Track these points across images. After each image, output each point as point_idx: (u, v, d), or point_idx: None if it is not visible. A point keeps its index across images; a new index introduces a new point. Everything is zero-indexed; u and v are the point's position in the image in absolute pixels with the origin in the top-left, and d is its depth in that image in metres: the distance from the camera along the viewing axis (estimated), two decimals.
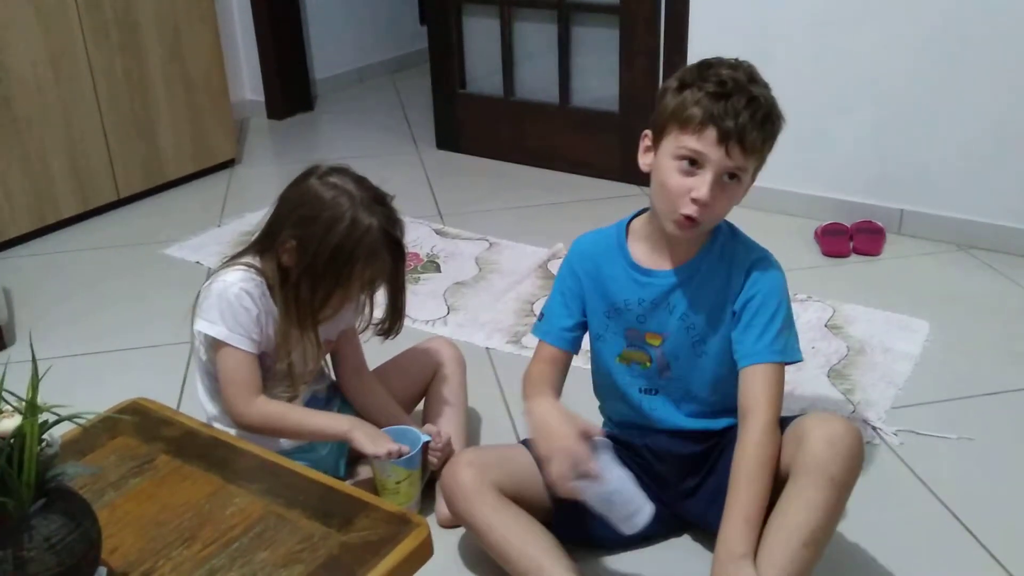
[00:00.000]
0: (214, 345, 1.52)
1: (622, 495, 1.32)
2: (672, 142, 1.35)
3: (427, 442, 1.61)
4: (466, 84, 3.64)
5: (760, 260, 1.45)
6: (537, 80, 3.46)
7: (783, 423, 1.41)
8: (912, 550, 1.56)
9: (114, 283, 2.67)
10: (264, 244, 1.54)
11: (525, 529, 1.43)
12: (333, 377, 1.76)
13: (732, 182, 1.35)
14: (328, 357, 1.73)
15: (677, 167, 1.35)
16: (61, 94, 2.93)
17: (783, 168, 2.92)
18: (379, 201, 1.50)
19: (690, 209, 1.35)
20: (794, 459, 1.33)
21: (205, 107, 3.43)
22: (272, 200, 1.57)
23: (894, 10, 2.59)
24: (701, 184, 1.33)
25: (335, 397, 1.74)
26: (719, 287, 1.45)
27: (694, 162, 1.33)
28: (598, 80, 3.30)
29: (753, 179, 1.40)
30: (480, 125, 3.61)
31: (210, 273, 1.56)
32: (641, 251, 1.49)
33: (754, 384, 1.40)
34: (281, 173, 3.55)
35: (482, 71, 3.59)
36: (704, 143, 1.32)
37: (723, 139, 1.31)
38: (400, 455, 1.53)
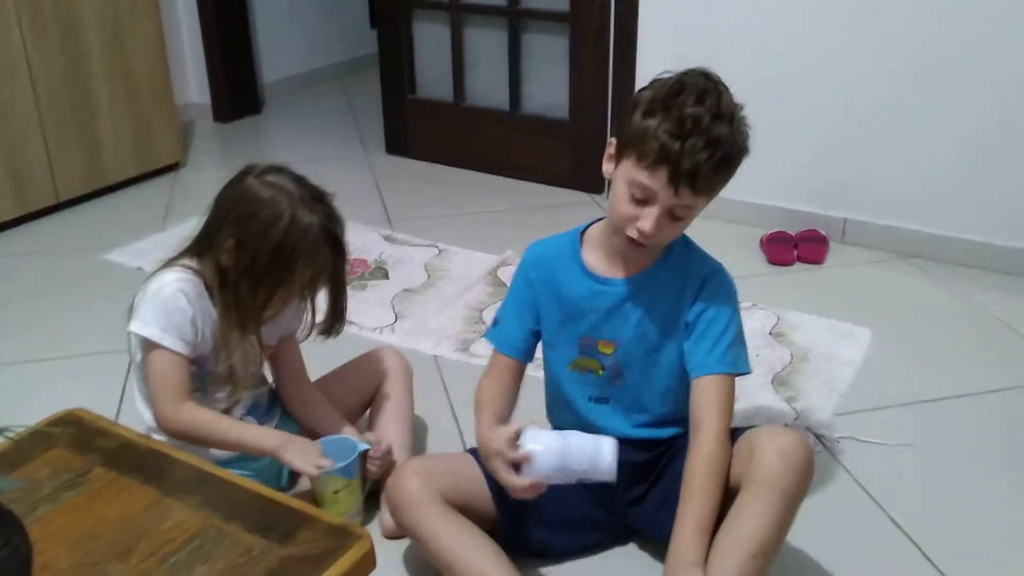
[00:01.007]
0: (146, 346, 1.49)
1: (570, 450, 1.33)
2: (627, 169, 1.35)
3: (365, 450, 1.59)
4: (416, 89, 3.62)
5: (714, 273, 1.47)
6: (487, 86, 3.45)
7: (733, 434, 1.42)
8: (853, 556, 1.58)
9: (53, 289, 2.60)
10: (202, 245, 1.52)
11: (471, 539, 1.42)
12: (273, 384, 1.74)
13: (681, 215, 1.37)
14: (267, 364, 1.70)
15: (628, 195, 1.35)
16: None
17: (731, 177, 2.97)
18: (318, 199, 1.49)
19: (635, 234, 1.37)
20: (746, 470, 1.34)
21: (149, 109, 3.36)
22: (207, 205, 1.54)
23: (844, 22, 2.64)
24: (647, 218, 1.34)
25: (276, 404, 1.71)
26: (673, 298, 1.46)
27: (644, 196, 1.34)
28: (548, 87, 3.31)
29: (705, 206, 1.40)
30: (430, 130, 3.60)
31: (148, 276, 1.54)
32: (596, 259, 1.49)
33: (705, 395, 1.42)
34: (227, 177, 3.46)
35: (432, 76, 3.58)
36: (655, 181, 1.31)
37: (673, 180, 1.30)
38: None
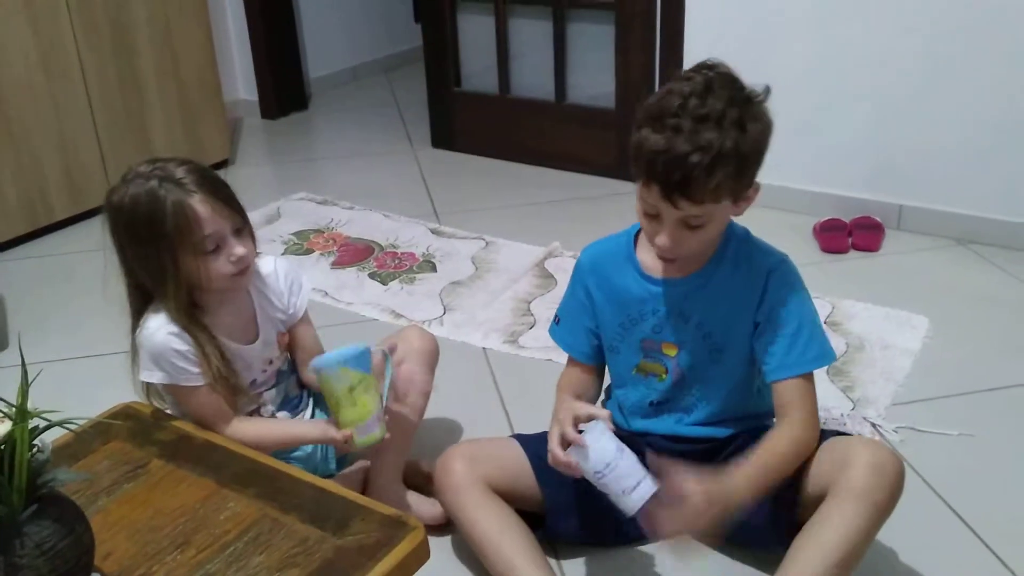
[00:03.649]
0: (165, 388, 1.49)
1: (614, 469, 1.30)
2: (638, 184, 1.32)
3: (384, 352, 1.51)
4: (461, 82, 3.62)
5: (779, 265, 1.41)
6: (533, 77, 3.44)
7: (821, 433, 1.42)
8: (912, 546, 1.55)
9: (108, 286, 2.65)
10: (133, 284, 1.51)
11: (503, 526, 1.43)
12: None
13: (697, 224, 1.31)
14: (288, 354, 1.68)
15: (642, 210, 1.33)
16: (53, 95, 2.91)
17: (781, 164, 2.92)
18: (165, 167, 1.44)
19: (657, 250, 1.35)
20: (837, 479, 1.32)
21: (198, 107, 3.40)
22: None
23: (893, 3, 2.58)
24: (662, 232, 1.32)
25: (306, 392, 1.70)
26: (735, 294, 1.42)
27: (654, 211, 1.31)
28: (594, 77, 3.28)
29: (744, 200, 1.33)
30: (475, 123, 3.60)
31: (133, 327, 1.52)
32: (651, 259, 1.45)
33: (787, 394, 1.39)
34: (275, 172, 3.52)
35: (477, 68, 3.57)
36: (652, 196, 1.28)
37: (666, 194, 1.26)
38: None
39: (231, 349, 1.51)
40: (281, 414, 1.64)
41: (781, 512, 1.40)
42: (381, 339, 1.57)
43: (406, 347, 1.65)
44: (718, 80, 1.27)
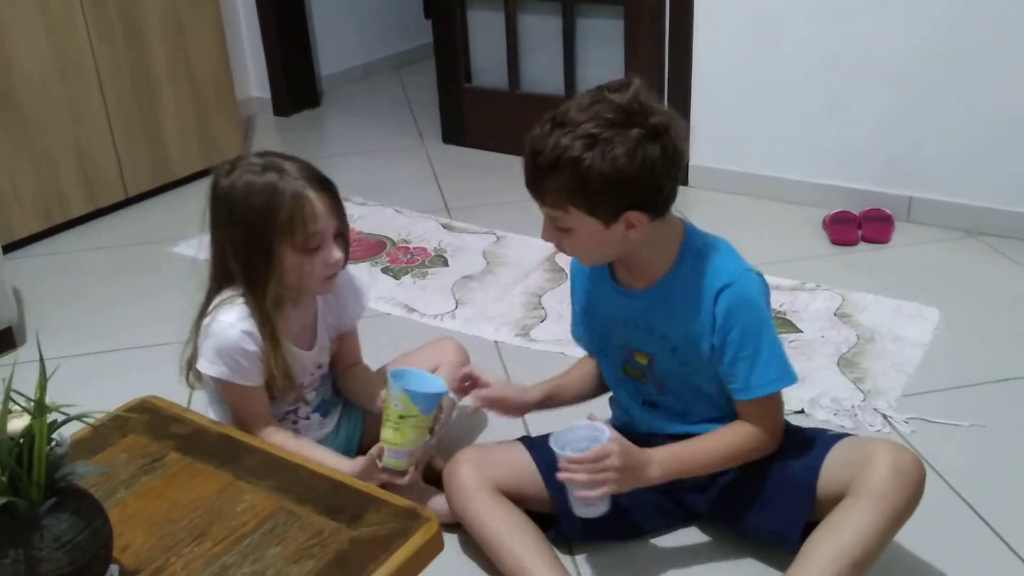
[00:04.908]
0: (218, 380, 1.51)
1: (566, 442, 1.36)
2: None
3: (445, 395, 1.50)
4: (471, 78, 3.63)
5: (729, 286, 1.35)
6: (542, 73, 3.44)
7: (830, 439, 1.44)
8: (923, 537, 1.55)
9: (123, 282, 2.68)
10: (219, 266, 1.51)
11: (512, 527, 1.45)
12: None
13: (563, 227, 1.33)
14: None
15: None
16: (68, 94, 2.93)
17: (791, 157, 2.93)
18: (280, 161, 1.46)
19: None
20: (858, 479, 1.32)
21: (211, 105, 3.43)
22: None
23: None
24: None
25: (338, 396, 1.73)
26: (690, 314, 1.39)
27: None
28: (604, 71, 3.28)
29: (625, 224, 1.31)
30: (486, 119, 3.60)
31: (203, 311, 1.52)
32: (619, 269, 1.47)
33: (751, 416, 1.41)
34: None
35: (487, 64, 3.58)
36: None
37: (526, 183, 1.33)
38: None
39: (291, 353, 1.52)
40: (314, 416, 1.66)
41: (796, 509, 1.40)
42: (457, 374, 1.56)
43: (441, 358, 1.71)
44: (614, 102, 1.27)
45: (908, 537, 1.53)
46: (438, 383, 1.48)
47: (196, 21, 3.31)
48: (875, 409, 1.88)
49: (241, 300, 1.47)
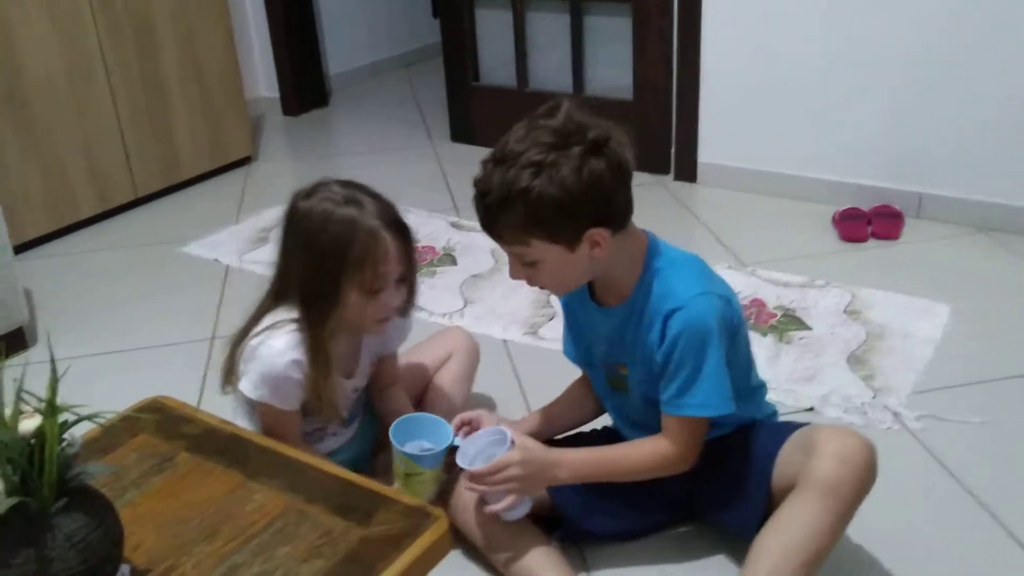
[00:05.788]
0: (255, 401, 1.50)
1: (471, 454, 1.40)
2: None
3: (454, 446, 1.51)
4: (480, 76, 3.63)
5: (678, 310, 1.33)
6: (551, 70, 3.44)
7: (791, 429, 1.43)
8: (935, 536, 1.55)
9: (133, 282, 2.69)
10: (282, 285, 1.49)
11: (515, 533, 1.46)
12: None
13: (528, 260, 1.33)
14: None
15: None
16: (77, 95, 2.94)
17: (800, 154, 2.93)
18: (361, 196, 1.45)
19: None
20: (803, 470, 1.30)
21: (220, 105, 3.44)
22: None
23: None
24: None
25: (363, 408, 1.73)
26: (646, 330, 1.39)
27: None
28: (612, 69, 3.28)
29: (590, 243, 1.31)
30: (494, 117, 3.60)
31: (249, 330, 1.50)
32: (597, 288, 1.47)
33: (669, 433, 1.40)
34: (297, 169, 3.56)
35: (495, 63, 3.58)
36: None
37: (486, 232, 1.33)
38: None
39: (333, 382, 1.52)
40: (341, 429, 1.66)
41: (754, 500, 1.41)
42: (454, 422, 1.53)
43: (452, 348, 1.74)
44: (549, 127, 1.28)
45: (918, 532, 1.54)
46: (442, 434, 1.48)
47: (205, 22, 3.32)
48: (885, 407, 1.88)
49: (292, 326, 1.46)
